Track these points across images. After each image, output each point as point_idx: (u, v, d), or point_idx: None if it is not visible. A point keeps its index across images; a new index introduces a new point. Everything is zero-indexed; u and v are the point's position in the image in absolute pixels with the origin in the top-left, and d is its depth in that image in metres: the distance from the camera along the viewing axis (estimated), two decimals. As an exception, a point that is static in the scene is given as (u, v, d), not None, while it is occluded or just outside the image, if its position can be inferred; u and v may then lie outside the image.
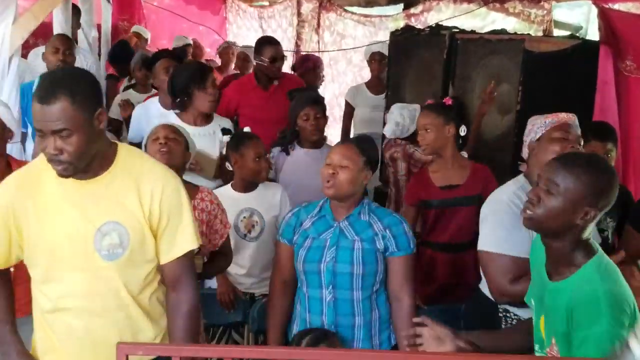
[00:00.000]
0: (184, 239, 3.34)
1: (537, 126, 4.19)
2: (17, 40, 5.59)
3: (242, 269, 5.10)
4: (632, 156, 6.62)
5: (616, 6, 7.16)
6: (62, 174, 3.10)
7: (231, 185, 5.23)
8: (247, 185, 5.16)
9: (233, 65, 11.22)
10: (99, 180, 3.22)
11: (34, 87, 5.91)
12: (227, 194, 5.07)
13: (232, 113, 7.05)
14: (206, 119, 5.90)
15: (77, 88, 3.04)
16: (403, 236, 4.12)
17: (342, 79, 11.24)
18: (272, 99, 7.10)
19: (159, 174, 3.33)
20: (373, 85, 8.39)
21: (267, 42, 7.44)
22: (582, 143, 4.23)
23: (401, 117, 6.26)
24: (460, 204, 5.10)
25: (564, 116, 4.20)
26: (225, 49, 11.69)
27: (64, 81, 3.06)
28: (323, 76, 9.20)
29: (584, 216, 2.97)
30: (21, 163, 4.22)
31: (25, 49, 7.73)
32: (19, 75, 5.81)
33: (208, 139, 5.57)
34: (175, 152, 4.47)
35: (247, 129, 5.48)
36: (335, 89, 11.13)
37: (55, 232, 3.22)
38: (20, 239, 3.29)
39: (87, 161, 3.12)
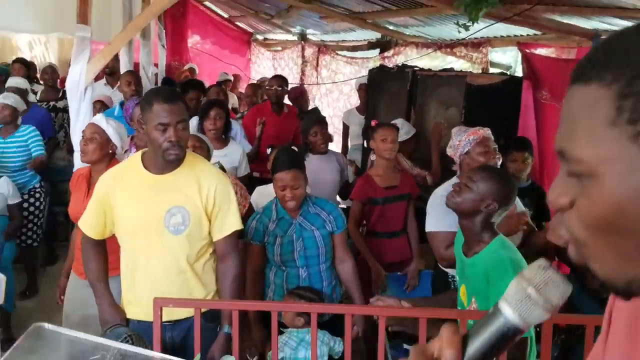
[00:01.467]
0: (231, 222, 3.46)
1: (463, 142, 4.23)
2: (90, 75, 5.56)
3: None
4: (546, 163, 6.66)
5: (537, 51, 7.14)
6: (174, 159, 3.29)
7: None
8: None
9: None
10: (170, 175, 3.36)
11: (115, 112, 5.97)
12: (269, 190, 4.75)
13: (252, 132, 7.06)
14: (219, 144, 5.81)
15: (180, 97, 3.40)
16: (339, 217, 4.18)
17: (335, 104, 11.25)
18: (284, 122, 7.16)
19: (214, 175, 3.48)
20: (361, 109, 8.38)
21: (274, 77, 7.74)
22: (497, 151, 4.25)
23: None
24: (397, 200, 5.09)
25: (482, 132, 4.23)
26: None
27: (171, 91, 3.41)
28: (309, 101, 9.21)
29: (487, 207, 3.10)
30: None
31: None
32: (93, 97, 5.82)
33: (222, 160, 5.47)
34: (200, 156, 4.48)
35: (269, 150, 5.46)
36: (330, 112, 11.12)
37: (136, 212, 3.36)
38: (113, 217, 3.42)
39: (184, 153, 3.36)
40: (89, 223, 3.50)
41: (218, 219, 3.42)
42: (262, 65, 14.06)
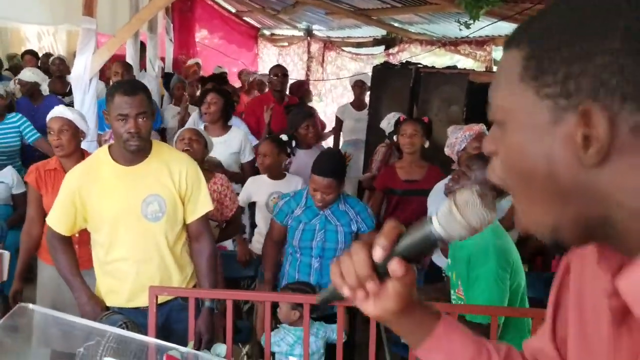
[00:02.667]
0: (203, 204, 3.55)
1: (460, 139, 4.27)
2: (95, 66, 5.61)
3: (262, 237, 5.06)
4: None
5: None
6: (134, 150, 3.31)
7: (267, 174, 5.22)
8: (276, 175, 5.16)
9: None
10: (141, 165, 3.41)
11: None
12: (262, 180, 5.15)
13: (256, 118, 7.12)
14: (219, 131, 5.83)
15: (146, 89, 3.43)
16: (368, 218, 4.22)
17: (340, 100, 11.26)
18: (286, 111, 7.14)
19: (183, 159, 3.57)
20: (355, 104, 8.41)
21: (275, 66, 7.87)
22: None
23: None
24: (416, 194, 5.11)
25: (477, 128, 4.27)
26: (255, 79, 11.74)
27: (135, 83, 3.53)
28: (311, 93, 9.27)
29: None
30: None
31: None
32: (96, 92, 5.83)
33: (219, 146, 5.51)
34: (196, 149, 4.55)
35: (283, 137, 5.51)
36: (334, 108, 11.13)
37: (113, 205, 3.38)
38: (85, 212, 3.42)
39: (148, 143, 3.39)
40: (57, 219, 3.49)
41: (191, 202, 3.51)
42: (268, 61, 14.09)
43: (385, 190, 5.23)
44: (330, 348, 3.89)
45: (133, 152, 3.33)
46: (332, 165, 4.10)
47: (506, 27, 7.25)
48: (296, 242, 4.18)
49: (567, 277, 1.13)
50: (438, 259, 4.33)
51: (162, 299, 3.34)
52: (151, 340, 2.71)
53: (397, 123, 5.49)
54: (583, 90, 0.80)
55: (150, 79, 8.86)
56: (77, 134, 4.21)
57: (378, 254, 1.09)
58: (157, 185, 3.41)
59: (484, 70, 7.70)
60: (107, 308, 3.47)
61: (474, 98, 6.22)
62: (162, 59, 11.33)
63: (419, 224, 1.09)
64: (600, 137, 0.79)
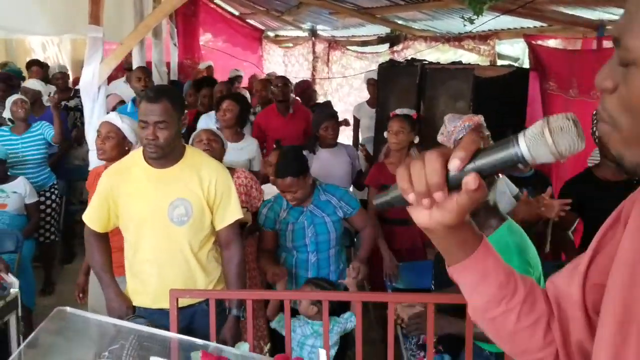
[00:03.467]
0: (232, 212, 3.59)
1: (459, 129, 4.25)
2: (103, 75, 5.66)
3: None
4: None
5: (543, 42, 7.17)
6: (152, 156, 3.39)
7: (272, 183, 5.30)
8: None
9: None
10: (172, 169, 3.47)
11: (128, 109, 6.07)
12: (268, 190, 5.16)
13: (263, 133, 7.13)
14: (235, 137, 5.89)
15: (174, 95, 3.41)
16: (352, 200, 4.38)
17: (346, 99, 11.31)
18: (290, 123, 7.21)
19: (214, 167, 3.59)
20: (371, 102, 8.42)
21: (277, 77, 7.97)
22: (490, 138, 4.23)
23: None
24: None
25: (476, 119, 4.26)
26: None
27: (165, 89, 3.52)
28: (316, 93, 9.25)
29: None
30: None
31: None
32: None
33: (235, 152, 5.58)
34: (215, 148, 4.60)
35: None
36: (341, 107, 11.17)
37: (141, 205, 3.48)
38: (117, 210, 3.53)
39: (169, 151, 3.41)
40: (93, 216, 3.60)
41: (220, 209, 3.55)
42: (273, 62, 14.13)
43: (376, 186, 5.25)
44: (341, 340, 3.98)
45: (152, 158, 3.40)
46: (286, 165, 4.18)
47: (509, 21, 7.29)
48: (289, 243, 4.26)
49: (617, 225, 1.14)
50: None
51: (186, 302, 3.43)
52: (174, 335, 2.75)
53: (388, 119, 5.51)
54: None
55: (157, 82, 8.95)
56: (122, 143, 4.30)
57: (455, 164, 1.06)
58: (185, 189, 3.47)
59: (489, 64, 7.74)
60: (134, 308, 3.57)
61: (480, 92, 6.25)
62: (167, 64, 11.38)
63: (502, 142, 1.06)
64: None
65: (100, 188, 3.57)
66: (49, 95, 7.49)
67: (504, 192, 4.19)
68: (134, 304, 3.60)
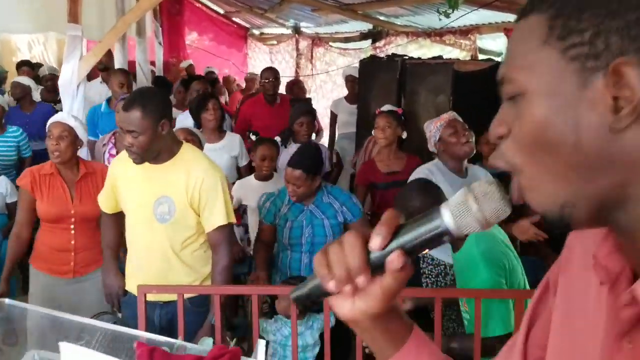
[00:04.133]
0: (217, 215, 3.49)
1: (433, 131, 4.30)
2: (83, 72, 5.63)
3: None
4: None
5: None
6: (134, 161, 3.40)
7: (254, 175, 5.29)
8: (264, 177, 5.19)
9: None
10: (163, 166, 3.46)
11: (102, 109, 6.00)
12: (250, 183, 5.22)
13: (247, 123, 7.08)
14: (217, 137, 5.83)
15: (147, 103, 3.32)
16: (354, 207, 4.24)
17: (329, 95, 11.28)
18: (277, 113, 7.13)
19: (203, 168, 3.48)
20: (349, 98, 8.40)
21: (267, 69, 7.72)
22: (467, 129, 4.28)
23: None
24: (399, 186, 5.10)
25: (446, 116, 4.30)
26: (250, 78, 11.72)
27: (139, 97, 3.38)
28: (304, 89, 9.25)
29: None
30: (87, 162, 4.39)
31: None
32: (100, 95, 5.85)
33: (218, 152, 5.54)
34: None
35: (253, 137, 5.56)
36: (324, 103, 11.16)
37: (132, 198, 3.56)
38: (118, 196, 3.67)
39: (152, 154, 3.40)
40: (102, 199, 3.79)
41: (205, 212, 3.48)
42: (258, 60, 14.10)
43: (367, 184, 5.23)
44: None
45: (134, 161, 3.41)
46: (303, 158, 4.15)
47: (490, 16, 7.28)
48: (286, 240, 4.21)
49: (547, 294, 1.07)
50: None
51: (168, 297, 3.41)
52: (143, 334, 2.72)
53: (370, 115, 5.51)
54: (612, 48, 0.75)
55: (142, 83, 8.88)
56: (75, 142, 4.16)
57: (376, 242, 0.96)
58: (170, 188, 3.44)
59: (470, 58, 7.73)
60: (125, 291, 3.68)
61: (459, 87, 6.23)
62: (153, 63, 11.31)
63: (425, 215, 0.97)
64: (634, 96, 0.75)
65: (108, 173, 3.74)
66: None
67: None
68: (126, 287, 3.68)
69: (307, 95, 10.15)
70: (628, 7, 0.76)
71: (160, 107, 3.39)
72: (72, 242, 4.14)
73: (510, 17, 7.18)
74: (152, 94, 3.53)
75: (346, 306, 1.00)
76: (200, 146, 4.62)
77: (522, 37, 0.85)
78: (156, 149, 3.38)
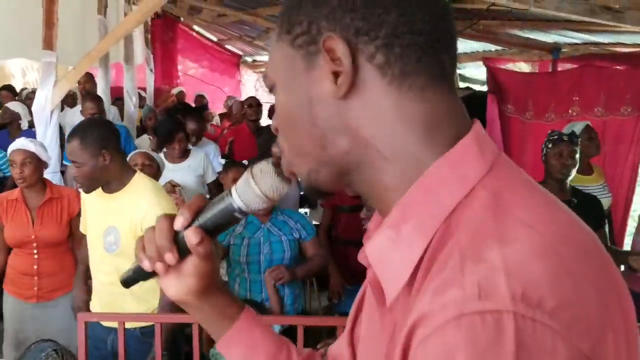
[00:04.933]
0: None
1: None
2: (56, 99, 5.58)
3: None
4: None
5: (502, 66, 7.12)
6: (83, 190, 3.45)
7: None
8: None
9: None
10: (114, 196, 3.41)
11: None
12: None
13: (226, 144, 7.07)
14: (180, 158, 5.65)
15: (86, 134, 3.28)
16: (308, 225, 4.31)
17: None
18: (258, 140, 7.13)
19: (153, 202, 3.32)
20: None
21: (248, 97, 8.14)
22: None
23: None
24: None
25: None
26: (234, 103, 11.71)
27: (79, 129, 3.36)
28: None
29: None
30: (55, 186, 4.32)
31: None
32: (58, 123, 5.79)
33: (183, 172, 5.47)
34: (149, 174, 4.34)
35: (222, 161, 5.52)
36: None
37: (89, 225, 3.58)
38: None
39: (99, 184, 3.38)
40: (81, 220, 3.79)
41: None
42: (250, 86, 14.11)
43: (333, 207, 5.14)
44: None
45: (83, 190, 3.45)
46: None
47: (468, 46, 7.24)
48: (243, 258, 4.11)
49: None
50: None
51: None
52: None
53: None
54: (324, 31, 0.85)
55: (130, 109, 8.85)
56: (40, 166, 4.12)
57: (179, 222, 1.04)
58: (118, 218, 3.37)
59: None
60: (88, 309, 3.66)
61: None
62: (144, 89, 11.29)
63: (221, 195, 1.06)
64: (345, 68, 0.83)
65: (82, 197, 3.74)
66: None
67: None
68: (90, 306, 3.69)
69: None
70: None
71: (101, 138, 3.30)
72: (35, 266, 4.08)
73: (488, 47, 7.17)
74: (94, 125, 3.45)
75: (170, 286, 1.11)
76: (158, 172, 4.56)
77: (273, 42, 0.95)
78: (102, 178, 3.33)
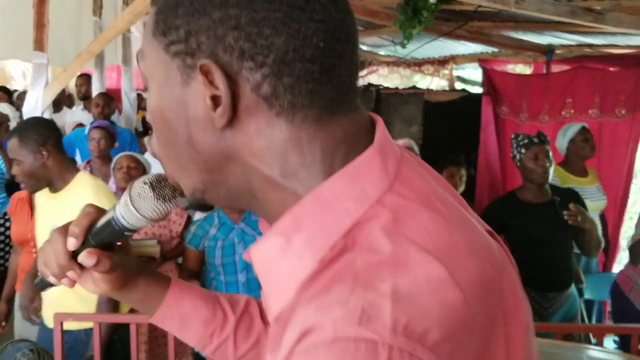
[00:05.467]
0: None
1: None
2: (47, 100, 5.54)
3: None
4: (508, 176, 6.54)
5: (497, 67, 7.06)
6: (27, 190, 3.42)
7: None
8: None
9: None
10: (58, 195, 3.37)
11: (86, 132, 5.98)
12: None
13: None
14: None
15: (25, 132, 3.26)
16: None
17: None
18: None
19: (91, 199, 3.17)
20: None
21: None
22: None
23: None
24: None
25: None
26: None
27: (19, 127, 3.42)
28: None
29: None
30: None
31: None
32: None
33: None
34: (135, 176, 4.33)
35: None
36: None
37: (39, 226, 3.55)
38: None
39: (40, 183, 3.32)
40: (28, 224, 3.76)
41: None
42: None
43: None
44: None
45: (27, 189, 3.43)
46: None
47: (464, 47, 7.19)
48: (218, 260, 4.03)
49: None
50: None
51: (67, 326, 3.24)
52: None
53: None
54: (203, 48, 0.73)
55: (128, 111, 8.81)
56: None
57: (71, 243, 1.03)
58: (60, 217, 3.19)
59: (448, 87, 7.65)
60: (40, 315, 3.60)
61: (430, 117, 6.15)
62: (144, 90, 11.22)
63: (110, 211, 1.03)
64: (223, 97, 0.73)
65: None
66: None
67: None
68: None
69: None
70: (214, 4, 0.73)
71: (40, 135, 3.28)
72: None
73: (484, 49, 7.11)
74: (34, 124, 3.44)
75: (88, 286, 1.11)
76: (143, 173, 4.50)
77: (146, 28, 0.83)
78: (42, 177, 3.30)
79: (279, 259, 0.75)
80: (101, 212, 1.05)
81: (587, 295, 5.20)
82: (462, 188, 5.04)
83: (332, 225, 0.72)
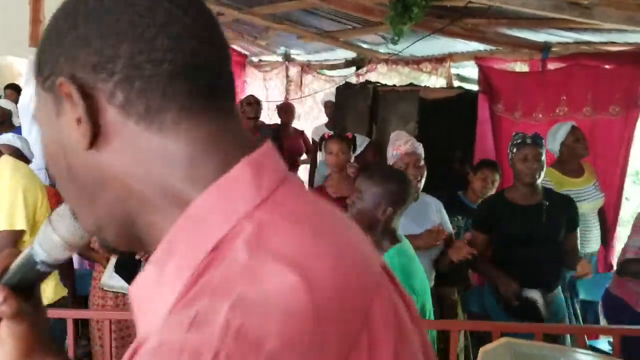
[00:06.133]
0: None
1: (389, 155, 4.20)
2: (41, 96, 5.51)
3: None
4: (503, 175, 6.46)
5: (493, 65, 6.98)
6: None
7: None
8: None
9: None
10: None
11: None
12: None
13: None
14: None
15: None
16: None
17: (315, 122, 11.16)
18: (257, 138, 7.02)
19: (7, 176, 3.29)
20: (329, 125, 8.26)
21: (246, 95, 8.14)
22: (420, 165, 4.14)
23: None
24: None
25: (404, 148, 4.15)
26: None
27: None
28: (293, 113, 9.08)
29: (384, 213, 2.97)
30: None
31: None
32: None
33: None
34: None
35: None
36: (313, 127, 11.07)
37: None
38: None
39: None
40: None
41: None
42: (255, 86, 14.03)
43: None
44: None
45: None
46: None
47: (460, 45, 7.12)
48: None
49: None
50: None
51: None
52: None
53: (322, 140, 5.31)
54: (65, 71, 0.74)
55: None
56: (25, 161, 4.18)
57: None
58: None
59: (446, 84, 7.59)
60: None
61: (425, 114, 6.09)
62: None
63: (27, 250, 0.96)
64: (81, 114, 0.73)
65: None
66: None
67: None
68: None
69: (296, 119, 10.04)
70: (68, 28, 0.75)
71: None
72: None
73: (481, 47, 7.04)
74: None
75: None
76: None
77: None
78: None
79: (153, 292, 0.72)
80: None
81: (582, 296, 5.13)
82: (492, 191, 4.98)
83: (201, 242, 0.70)
